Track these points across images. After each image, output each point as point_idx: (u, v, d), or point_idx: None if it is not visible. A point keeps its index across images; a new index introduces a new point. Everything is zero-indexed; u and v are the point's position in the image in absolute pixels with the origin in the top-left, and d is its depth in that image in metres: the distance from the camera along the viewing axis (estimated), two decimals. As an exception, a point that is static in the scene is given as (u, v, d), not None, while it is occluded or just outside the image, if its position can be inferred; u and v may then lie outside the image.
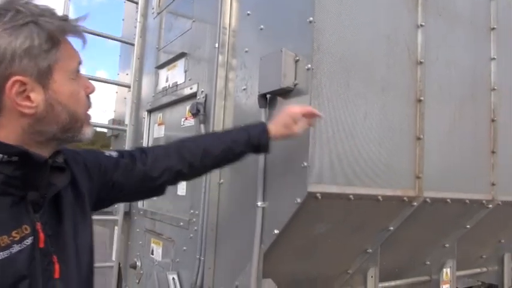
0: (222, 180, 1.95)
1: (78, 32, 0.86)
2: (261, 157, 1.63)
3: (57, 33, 0.81)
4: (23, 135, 0.82)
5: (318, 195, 1.46)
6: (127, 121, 3.07)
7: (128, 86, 3.06)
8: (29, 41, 0.77)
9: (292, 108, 1.40)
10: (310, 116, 1.41)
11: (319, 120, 1.47)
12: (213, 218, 1.94)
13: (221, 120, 1.99)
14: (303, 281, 1.91)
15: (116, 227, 2.95)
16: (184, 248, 2.21)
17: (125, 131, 3.03)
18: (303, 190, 1.43)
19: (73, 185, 0.97)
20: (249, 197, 1.73)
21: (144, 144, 2.92)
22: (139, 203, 2.88)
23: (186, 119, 2.43)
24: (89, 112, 0.93)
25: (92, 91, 0.92)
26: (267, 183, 1.63)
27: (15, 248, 0.78)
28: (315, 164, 1.46)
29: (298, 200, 1.45)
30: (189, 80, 2.39)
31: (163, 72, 2.78)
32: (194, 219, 2.13)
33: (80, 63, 0.88)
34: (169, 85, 2.65)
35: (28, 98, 0.79)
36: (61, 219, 0.91)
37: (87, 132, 0.91)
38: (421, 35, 1.85)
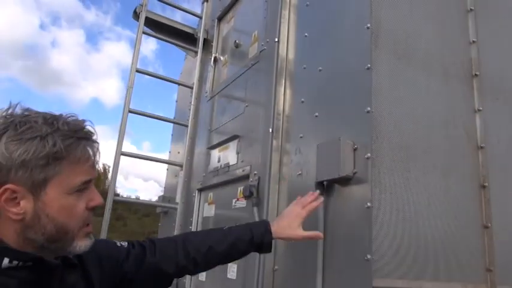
0: (276, 267, 1.89)
1: (90, 147, 0.90)
2: (319, 246, 1.59)
3: (60, 150, 0.84)
4: (18, 240, 0.85)
5: (384, 290, 1.38)
6: (178, 199, 3.13)
7: (180, 165, 3.16)
8: (25, 155, 0.81)
9: (300, 211, 1.37)
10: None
11: (380, 210, 1.43)
12: (268, 308, 1.86)
13: (275, 204, 1.98)
14: None
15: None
16: (235, 338, 2.11)
17: (175, 208, 3.08)
18: (367, 285, 1.35)
19: (83, 275, 0.99)
20: (307, 286, 1.66)
21: (194, 223, 2.94)
22: (187, 284, 2.83)
23: (238, 199, 2.45)
24: (89, 225, 0.91)
25: (97, 205, 0.92)
26: (326, 275, 1.57)
27: None
28: (379, 256, 1.39)
29: (363, 296, 1.37)
30: (242, 161, 2.45)
31: (215, 153, 2.87)
32: (246, 307, 2.04)
33: (89, 179, 0.90)
34: (221, 165, 2.72)
35: (18, 204, 0.83)
36: None
37: (80, 246, 0.90)
38: (479, 119, 1.83)
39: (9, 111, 0.86)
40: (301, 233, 1.35)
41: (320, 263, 1.57)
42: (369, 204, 1.42)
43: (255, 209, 2.10)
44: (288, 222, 1.35)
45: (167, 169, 3.83)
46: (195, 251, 1.28)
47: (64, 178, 0.86)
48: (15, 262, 0.82)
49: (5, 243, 0.83)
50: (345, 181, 1.55)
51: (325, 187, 1.64)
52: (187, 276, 2.85)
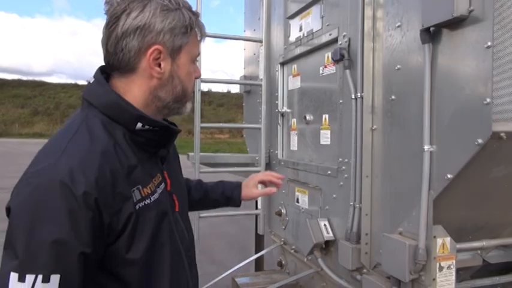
0: (375, 127, 1.88)
1: (203, 29, 1.06)
2: (426, 98, 1.51)
3: (191, 23, 1.01)
4: (148, 97, 1.00)
5: (503, 135, 1.31)
6: (261, 75, 3.13)
7: (260, 41, 3.09)
8: (174, 22, 0.97)
9: (260, 175, 1.59)
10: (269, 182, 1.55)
11: (502, 49, 1.29)
12: (367, 165, 1.90)
13: (371, 64, 1.89)
14: (468, 228, 1.78)
15: (259, 178, 3.11)
16: (334, 195, 2.24)
17: (259, 85, 3.11)
18: (486, 130, 1.29)
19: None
20: (409, 141, 1.65)
21: (280, 98, 2.97)
22: (279, 154, 2.99)
23: (326, 66, 2.37)
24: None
25: (199, 76, 1.11)
26: (434, 125, 1.52)
27: (158, 192, 1.01)
28: (499, 100, 1.29)
29: (480, 141, 1.32)
30: (327, 25, 2.31)
31: (295, 22, 2.73)
32: (344, 167, 2.12)
33: (199, 53, 1.07)
34: (303, 34, 2.60)
35: (159, 65, 0.98)
36: (170, 165, 1.15)
37: (188, 107, 1.09)
38: None
39: None
40: (255, 191, 1.54)
41: (427, 114, 1.51)
42: (489, 43, 1.28)
43: (348, 71, 2.03)
44: (246, 182, 1.55)
45: (244, 49, 3.78)
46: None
47: (191, 47, 1.03)
48: (146, 127, 0.98)
49: (138, 111, 0.97)
50: (458, 23, 1.39)
51: (432, 34, 1.50)
52: (279, 147, 3.00)
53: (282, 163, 2.93)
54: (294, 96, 2.84)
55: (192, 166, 2.94)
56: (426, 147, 1.52)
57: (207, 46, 2.86)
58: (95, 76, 1.02)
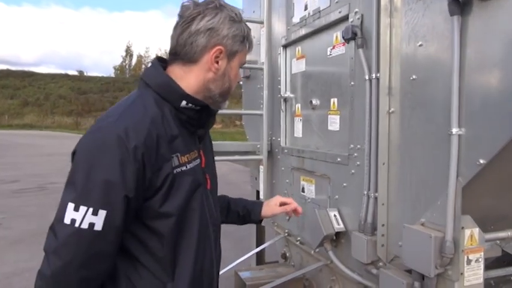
0: (392, 109, 1.74)
1: (252, 42, 1.28)
2: (454, 77, 1.37)
3: (247, 36, 1.23)
4: (201, 86, 1.19)
5: (546, 114, 1.18)
6: (262, 59, 2.97)
7: (261, 22, 2.92)
8: (237, 32, 1.19)
9: (278, 196, 1.71)
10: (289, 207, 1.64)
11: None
12: (384, 151, 1.77)
13: (387, 42, 1.74)
14: (491, 218, 1.67)
15: (261, 166, 2.97)
16: (344, 184, 2.10)
17: (260, 69, 2.95)
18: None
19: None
20: (433, 124, 1.52)
21: (282, 82, 2.82)
22: (282, 142, 2.85)
23: (334, 47, 2.22)
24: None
25: (240, 81, 1.24)
26: (463, 106, 1.38)
27: (193, 163, 1.18)
28: (543, 75, 1.16)
29: (520, 122, 1.18)
30: (336, 2, 2.15)
31: (299, 1, 2.56)
32: (356, 154, 1.98)
33: (245, 62, 1.28)
34: (309, 13, 2.44)
35: (217, 62, 1.18)
36: (206, 147, 1.34)
37: (226, 104, 1.30)
38: None
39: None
40: (276, 208, 1.64)
41: (455, 93, 1.37)
42: (533, 11, 1.14)
43: (361, 51, 1.88)
44: (268, 201, 1.68)
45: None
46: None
47: (242, 55, 1.24)
48: (189, 105, 1.16)
49: (184, 91, 1.15)
50: (493, -9, 1.24)
51: (462, 5, 1.35)
52: (282, 134, 2.86)
53: (286, 151, 2.79)
54: (297, 80, 2.69)
55: (191, 155, 2.79)
56: (454, 130, 1.38)
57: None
58: (152, 62, 1.22)
